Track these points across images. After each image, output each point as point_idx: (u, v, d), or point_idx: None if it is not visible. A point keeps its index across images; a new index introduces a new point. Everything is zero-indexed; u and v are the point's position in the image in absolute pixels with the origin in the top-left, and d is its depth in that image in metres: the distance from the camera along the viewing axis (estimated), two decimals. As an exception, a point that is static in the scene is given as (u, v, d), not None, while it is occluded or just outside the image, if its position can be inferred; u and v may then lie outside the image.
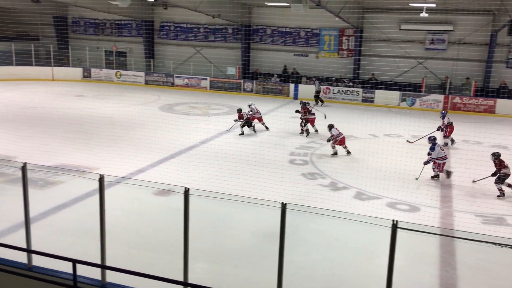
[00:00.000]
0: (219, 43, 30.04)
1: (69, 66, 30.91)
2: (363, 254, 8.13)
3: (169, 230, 8.72)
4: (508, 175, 11.22)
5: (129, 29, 32.19)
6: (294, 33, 28.29)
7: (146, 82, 29.79)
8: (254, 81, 27.63)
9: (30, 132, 15.69)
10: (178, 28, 30.80)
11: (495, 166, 11.29)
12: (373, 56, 26.42)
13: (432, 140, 12.50)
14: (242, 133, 16.72)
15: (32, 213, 5.69)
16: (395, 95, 24.74)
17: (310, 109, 16.92)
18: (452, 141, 16.12)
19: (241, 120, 16.75)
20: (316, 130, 17.19)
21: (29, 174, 5.60)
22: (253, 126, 17.05)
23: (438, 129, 16.06)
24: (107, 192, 5.40)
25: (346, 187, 11.56)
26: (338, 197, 10.74)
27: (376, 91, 25.29)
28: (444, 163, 12.22)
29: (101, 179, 5.30)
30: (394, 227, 4.67)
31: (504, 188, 11.21)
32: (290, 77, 27.47)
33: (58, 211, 9.41)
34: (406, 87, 24.25)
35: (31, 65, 29.41)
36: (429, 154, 12.25)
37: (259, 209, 5.93)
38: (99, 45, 32.70)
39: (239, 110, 17.13)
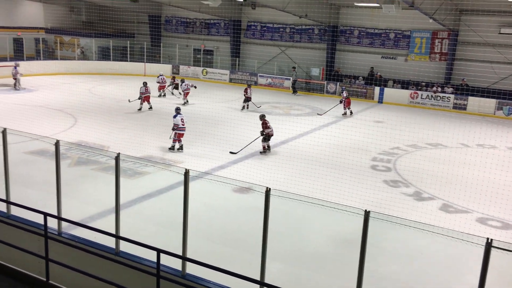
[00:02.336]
0: (305, 44, 29.90)
1: (160, 63, 32.43)
2: (449, 270, 7.64)
3: (248, 227, 8.81)
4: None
5: (218, 28, 33.08)
6: (383, 35, 27.40)
7: (231, 80, 30.45)
8: (338, 83, 27.17)
9: (123, 124, 16.68)
10: (265, 28, 31.11)
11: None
12: (468, 61, 24.82)
13: None
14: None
15: (121, 201, 5.98)
16: (491, 103, 23.06)
17: (267, 123, 14.27)
18: None
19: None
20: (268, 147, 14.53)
21: (120, 164, 5.89)
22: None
23: None
24: (190, 186, 5.55)
25: (432, 198, 10.96)
26: (422, 207, 10.21)
27: (470, 97, 23.74)
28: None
29: (186, 174, 5.44)
30: (488, 245, 4.30)
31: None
32: (376, 80, 26.63)
33: (144, 200, 9.88)
34: (504, 95, 22.51)
35: (126, 60, 31.29)
36: None
37: (338, 214, 5.78)
38: (188, 43, 33.95)
39: None
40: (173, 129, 13.76)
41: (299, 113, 21.62)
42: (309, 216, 9.30)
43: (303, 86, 28.27)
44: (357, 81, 27.18)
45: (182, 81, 22.61)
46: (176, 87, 24.37)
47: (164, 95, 23.59)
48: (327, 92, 27.40)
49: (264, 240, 5.20)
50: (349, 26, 28.22)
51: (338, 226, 8.94)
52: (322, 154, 13.54)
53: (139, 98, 19.75)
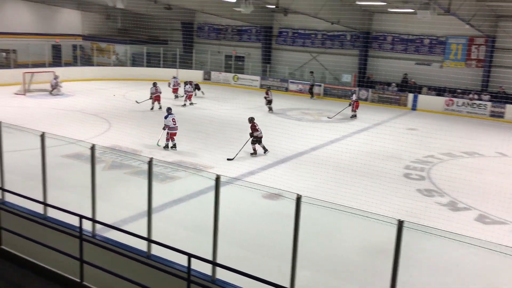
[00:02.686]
0: (336, 50, 29.70)
1: (192, 69, 32.84)
2: (485, 283, 7.40)
3: (277, 234, 8.78)
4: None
5: (249, 34, 33.27)
6: (417, 41, 26.93)
7: (261, 86, 30.49)
8: (370, 90, 26.83)
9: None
10: (296, 34, 31.09)
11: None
12: (506, 68, 24.09)
13: None
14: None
15: (152, 205, 6.07)
16: (529, 111, 22.30)
17: (256, 126, 14.41)
18: None
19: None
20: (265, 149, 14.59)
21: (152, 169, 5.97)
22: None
23: None
24: (220, 191, 5.58)
25: (467, 208, 10.66)
26: (457, 218, 9.93)
27: (508, 105, 23.01)
28: None
29: (217, 179, 5.47)
30: (528, 259, 4.14)
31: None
32: (410, 86, 26.16)
33: (175, 205, 9.99)
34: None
35: (159, 66, 31.84)
36: None
37: (370, 223, 5.69)
38: (220, 49, 34.28)
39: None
40: (164, 129, 14.47)
41: (330, 119, 21.44)
42: (340, 224, 9.19)
43: (333, 92, 28.06)
44: (389, 88, 26.78)
45: (186, 83, 23.33)
46: (198, 88, 25.19)
47: (177, 97, 24.16)
48: (359, 98, 27.08)
49: (295, 247, 5.16)
50: (382, 32, 27.88)
51: (369, 235, 8.80)
52: (353, 162, 13.38)
53: (150, 98, 21.04)
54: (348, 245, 8.64)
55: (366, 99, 26.77)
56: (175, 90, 24.51)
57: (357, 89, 26.53)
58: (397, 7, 24.11)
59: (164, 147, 14.36)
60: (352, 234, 8.98)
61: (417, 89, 26.00)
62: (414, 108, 25.22)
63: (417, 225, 5.79)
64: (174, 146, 14.40)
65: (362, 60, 28.11)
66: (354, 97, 22.31)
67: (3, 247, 7.08)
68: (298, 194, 5.15)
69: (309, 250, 7.95)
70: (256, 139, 14.28)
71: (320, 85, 28.40)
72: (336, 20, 25.51)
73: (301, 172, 12.38)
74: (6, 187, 7.30)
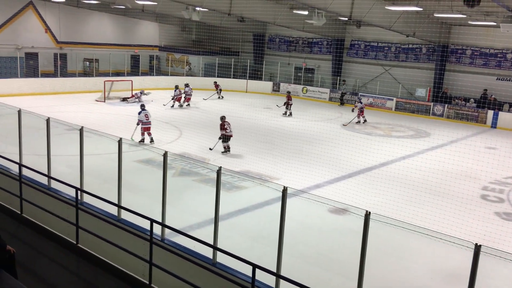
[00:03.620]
0: (410, 63, 28.76)
1: (262, 80, 33.24)
2: None
3: (343, 250, 8.59)
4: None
5: (320, 46, 33.14)
6: (499, 55, 25.42)
7: (330, 99, 30.23)
8: (446, 105, 25.66)
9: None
10: (369, 47, 30.51)
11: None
12: None
13: None
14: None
15: (219, 213, 6.16)
16: None
17: (225, 125, 15.05)
18: None
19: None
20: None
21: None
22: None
23: None
24: (286, 203, 5.54)
25: (553, 236, 9.79)
26: (541, 246, 9.15)
27: None
28: None
29: (284, 191, 5.45)
30: None
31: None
32: (490, 103, 24.70)
33: (240, 214, 10.08)
34: None
35: (229, 77, 32.55)
36: None
37: (441, 245, 5.39)
38: (290, 61, 34.42)
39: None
40: (138, 124, 15.69)
41: (401, 135, 20.75)
42: (410, 245, 8.81)
43: (406, 107, 27.17)
44: (467, 104, 25.46)
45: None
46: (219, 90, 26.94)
47: (172, 106, 23.90)
48: (433, 114, 26.01)
49: (361, 266, 5.01)
50: (461, 45, 26.62)
51: (441, 258, 8.36)
52: (425, 180, 12.82)
53: (172, 99, 23.70)
54: (418, 267, 8.24)
55: (441, 115, 25.64)
56: (188, 99, 24.79)
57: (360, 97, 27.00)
58: (477, 20, 22.97)
59: (140, 141, 15.60)
60: (423, 255, 8.57)
61: (497, 106, 24.51)
62: (494, 125, 23.78)
63: (495, 251, 5.40)
64: (151, 140, 15.68)
65: (438, 74, 26.99)
66: (359, 104, 22.80)
67: (79, 245, 7.49)
68: (367, 211, 5.00)
69: (377, 270, 7.68)
70: (225, 138, 15.06)
71: (392, 99, 27.61)
72: (411, 32, 24.74)
73: (369, 188, 12.05)
74: (84, 189, 7.74)
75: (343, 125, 21.93)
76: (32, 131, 9.77)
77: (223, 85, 29.47)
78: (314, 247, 8.84)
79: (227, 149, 15.10)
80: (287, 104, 23.66)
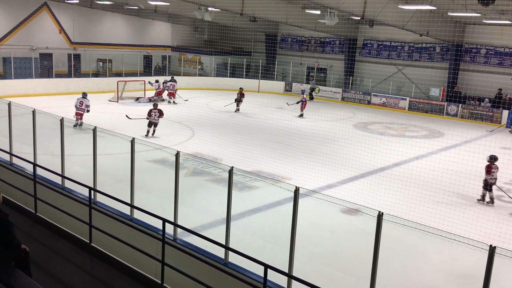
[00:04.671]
0: (424, 62, 28.51)
1: (274, 80, 33.22)
2: None
3: (356, 250, 8.54)
4: None
5: (332, 46, 33.00)
6: (514, 54, 25.09)
7: (343, 99, 30.09)
8: (460, 105, 25.39)
9: (235, 138, 17.31)
10: (381, 46, 30.31)
11: None
12: None
13: None
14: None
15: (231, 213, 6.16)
16: None
17: (151, 112, 16.93)
18: None
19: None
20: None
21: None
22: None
23: None
24: (298, 203, 5.52)
25: None
26: (558, 248, 9.00)
27: None
28: None
29: (296, 191, 5.44)
30: None
31: None
32: (505, 102, 24.36)
33: (252, 214, 10.08)
34: None
35: (242, 77, 32.58)
36: None
37: (455, 246, 5.33)
38: (302, 61, 34.35)
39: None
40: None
41: (415, 135, 20.58)
42: (423, 246, 8.73)
43: (419, 106, 26.93)
44: (482, 103, 25.15)
45: (170, 80, 25.87)
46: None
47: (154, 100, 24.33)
48: (447, 113, 25.75)
49: (374, 266, 4.98)
50: (476, 44, 26.31)
51: (454, 259, 8.27)
52: (438, 180, 12.70)
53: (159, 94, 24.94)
54: (431, 268, 8.16)
55: (455, 115, 25.37)
56: (171, 94, 25.26)
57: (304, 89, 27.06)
58: (492, 18, 22.68)
59: (74, 126, 16.89)
60: (436, 257, 8.48)
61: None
62: (509, 125, 23.44)
63: (510, 252, 5.33)
64: (80, 124, 17.13)
65: (452, 73, 26.70)
66: (304, 95, 23.67)
67: (92, 244, 7.56)
68: (379, 211, 4.97)
69: (389, 270, 7.63)
70: (150, 124, 16.84)
71: (405, 99, 27.39)
72: (425, 31, 24.51)
73: (382, 188, 11.96)
74: (97, 188, 7.81)
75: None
76: (46, 131, 9.89)
77: (235, 85, 29.48)
78: (326, 247, 8.80)
79: (152, 134, 16.79)
80: (238, 101, 23.75)
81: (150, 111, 16.96)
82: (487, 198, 11.55)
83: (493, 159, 11.86)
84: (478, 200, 11.64)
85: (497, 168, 11.80)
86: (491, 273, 4.39)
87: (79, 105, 17.62)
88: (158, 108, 17.21)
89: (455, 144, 18.33)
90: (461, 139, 19.35)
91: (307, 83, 32.10)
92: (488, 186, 11.46)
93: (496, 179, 11.66)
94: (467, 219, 9.46)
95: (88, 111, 17.69)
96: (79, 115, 17.46)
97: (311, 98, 29.89)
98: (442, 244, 6.31)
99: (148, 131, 16.84)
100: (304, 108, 23.37)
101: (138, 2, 27.65)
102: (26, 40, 30.39)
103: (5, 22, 29.70)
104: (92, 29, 34.18)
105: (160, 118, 17.06)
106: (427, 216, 9.38)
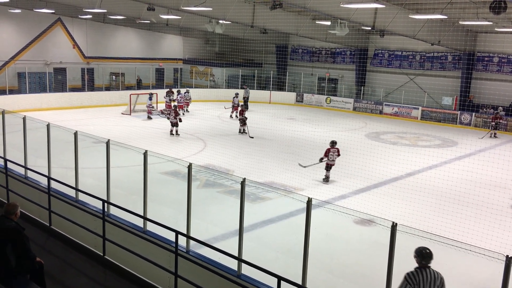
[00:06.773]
0: (436, 71, 28.37)
1: (285, 91, 33.29)
2: None
3: (369, 262, 8.45)
4: None
5: (343, 56, 33.03)
6: (527, 62, 24.86)
7: (354, 109, 30.02)
8: (473, 113, 25.16)
9: (247, 150, 17.33)
10: (393, 56, 30.26)
11: None
12: None
13: None
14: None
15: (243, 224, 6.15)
16: None
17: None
18: None
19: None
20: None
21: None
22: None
23: None
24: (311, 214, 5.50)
25: None
26: None
27: None
28: None
29: (309, 202, 5.42)
30: None
31: None
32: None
33: (265, 225, 10.04)
34: None
35: (253, 88, 32.70)
36: None
37: (471, 256, 5.26)
38: (313, 71, 34.41)
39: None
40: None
41: (428, 144, 20.41)
42: (438, 257, 8.58)
43: (432, 116, 26.75)
44: (495, 112, 24.88)
45: (178, 91, 25.48)
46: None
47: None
48: (460, 122, 25.53)
49: (389, 278, 4.93)
50: (488, 52, 26.14)
51: (470, 270, 8.14)
52: (453, 190, 12.55)
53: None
54: (446, 280, 8.02)
55: (469, 123, 25.14)
56: (180, 107, 24.48)
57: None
58: (504, 27, 22.54)
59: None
60: (451, 267, 8.34)
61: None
62: (524, 133, 23.19)
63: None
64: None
65: (465, 82, 26.52)
66: (235, 100, 24.34)
67: (106, 257, 7.59)
68: (393, 222, 4.93)
69: (403, 281, 7.51)
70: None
71: (417, 109, 27.22)
72: (436, 41, 24.43)
73: (395, 199, 11.86)
74: (111, 201, 7.86)
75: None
76: (60, 144, 10.00)
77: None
78: (340, 258, 8.73)
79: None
80: (235, 109, 24.09)
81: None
82: None
83: None
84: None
85: None
86: (508, 284, 4.32)
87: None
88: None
89: (469, 153, 18.14)
90: (475, 148, 19.17)
91: (320, 93, 32.06)
92: None
93: None
94: (483, 229, 9.32)
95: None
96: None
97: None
98: (457, 254, 6.21)
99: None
100: (233, 112, 24.17)
101: (150, 16, 27.99)
102: (41, 55, 30.92)
103: (20, 38, 30.28)
104: (105, 44, 34.68)
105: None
106: (442, 227, 9.26)
